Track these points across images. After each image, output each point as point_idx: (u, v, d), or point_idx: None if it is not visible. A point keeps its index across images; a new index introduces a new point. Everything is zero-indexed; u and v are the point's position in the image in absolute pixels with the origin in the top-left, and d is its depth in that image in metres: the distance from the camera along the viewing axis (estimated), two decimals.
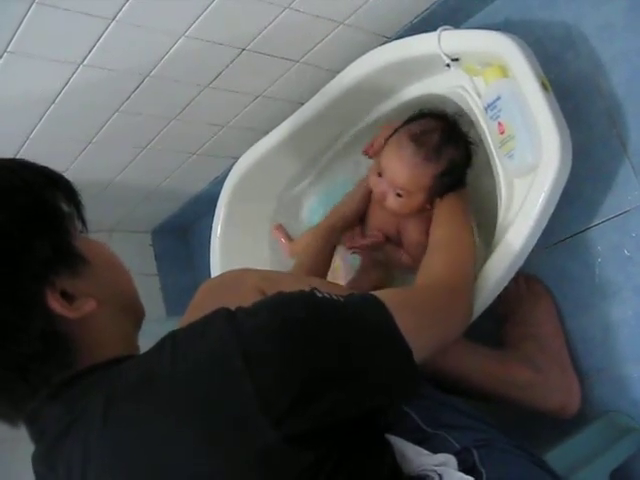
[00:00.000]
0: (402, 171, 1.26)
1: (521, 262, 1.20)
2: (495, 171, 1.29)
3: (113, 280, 0.80)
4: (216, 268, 1.62)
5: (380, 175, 1.28)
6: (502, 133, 1.28)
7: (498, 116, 1.28)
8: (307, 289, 0.76)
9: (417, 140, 1.25)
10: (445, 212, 1.25)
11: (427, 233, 1.28)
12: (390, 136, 1.30)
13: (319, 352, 0.69)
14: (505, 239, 1.20)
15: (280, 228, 1.61)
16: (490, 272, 1.19)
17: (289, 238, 1.60)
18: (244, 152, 1.62)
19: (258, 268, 0.99)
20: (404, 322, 0.81)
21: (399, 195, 1.27)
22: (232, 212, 1.65)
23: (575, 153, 1.20)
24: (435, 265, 1.09)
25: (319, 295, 0.75)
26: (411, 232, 1.35)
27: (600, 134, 1.34)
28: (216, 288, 0.92)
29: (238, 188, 1.65)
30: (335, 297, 0.76)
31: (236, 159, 1.65)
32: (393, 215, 1.33)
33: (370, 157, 1.40)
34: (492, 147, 1.29)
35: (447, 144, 1.26)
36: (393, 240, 1.37)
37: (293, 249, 1.56)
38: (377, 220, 1.37)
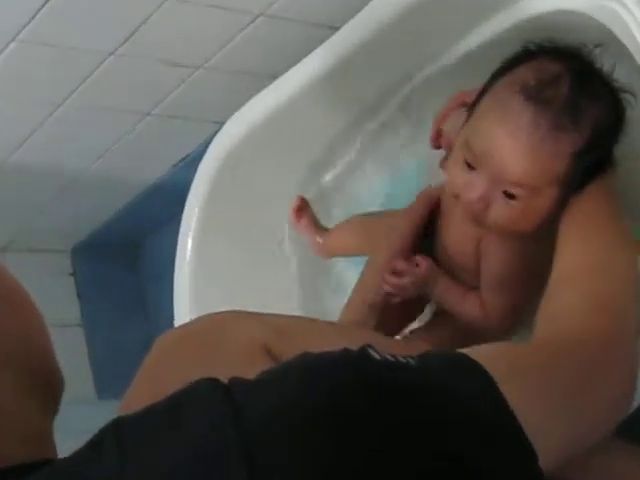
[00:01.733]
0: (518, 154, 0.82)
1: None
2: None
3: (9, 328, 0.59)
4: (184, 311, 1.27)
5: (471, 167, 0.84)
6: None
7: None
8: (355, 347, 0.55)
9: (537, 97, 0.82)
10: (582, 216, 0.85)
11: (527, 259, 0.91)
12: (477, 100, 0.88)
13: (380, 465, 0.49)
14: None
15: (304, 206, 1.19)
16: None
17: (319, 226, 1.19)
18: (233, 113, 1.25)
19: (259, 311, 0.67)
20: (521, 405, 0.57)
21: (511, 197, 0.83)
22: (213, 217, 1.27)
23: None
24: (569, 305, 0.74)
25: (376, 357, 0.55)
26: (497, 256, 0.92)
27: None
28: (186, 346, 0.63)
29: (223, 175, 1.26)
30: (404, 360, 0.56)
31: (220, 124, 1.27)
32: (473, 228, 0.91)
33: (439, 147, 0.99)
34: None
35: (587, 99, 0.84)
36: (465, 271, 0.96)
37: (329, 245, 1.17)
38: (448, 238, 0.97)
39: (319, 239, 1.17)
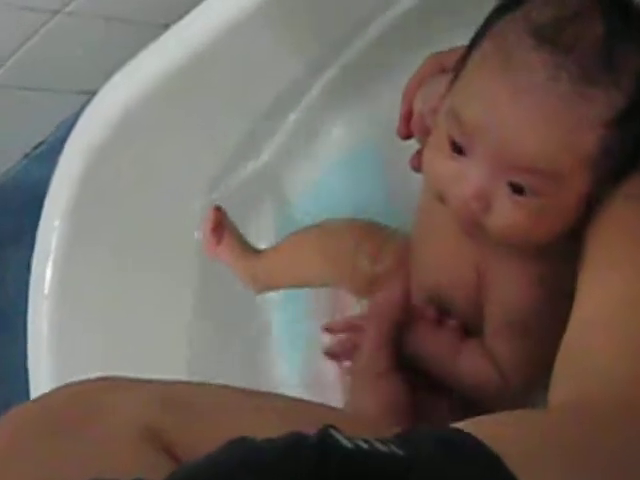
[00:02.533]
0: (529, 125, 0.60)
1: None
2: None
3: None
4: (43, 372, 0.97)
5: (461, 151, 0.62)
6: None
7: None
8: (295, 426, 0.43)
9: (553, 40, 0.60)
10: (621, 223, 0.62)
11: (552, 287, 0.67)
12: (465, 57, 0.65)
13: None
14: None
15: (223, 220, 0.91)
16: None
17: (246, 248, 0.91)
18: (109, 78, 0.93)
19: (148, 376, 0.51)
20: None
21: (520, 190, 0.61)
22: (83, 230, 0.94)
23: None
24: (603, 355, 0.56)
25: (347, 445, 0.42)
26: (509, 285, 0.68)
27: None
28: (43, 429, 0.50)
29: (97, 169, 0.93)
30: (383, 446, 0.44)
31: (90, 95, 0.95)
32: (468, 245, 0.68)
33: (409, 136, 0.74)
34: None
35: (627, 39, 0.62)
36: (458, 311, 0.71)
37: (267, 274, 0.89)
38: (430, 263, 0.73)
39: (249, 267, 0.90)
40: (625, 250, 0.60)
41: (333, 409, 0.57)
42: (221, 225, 0.90)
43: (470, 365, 0.70)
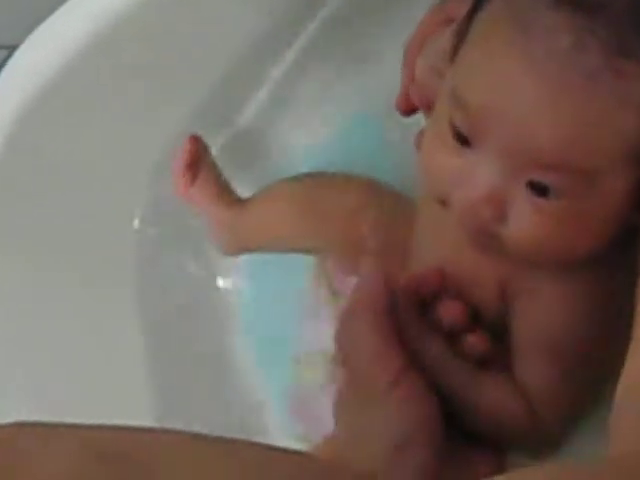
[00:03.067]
0: (552, 108, 0.46)
1: None
2: None
3: None
4: None
5: (467, 142, 0.48)
6: None
7: None
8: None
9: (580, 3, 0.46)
10: None
11: (594, 308, 0.54)
12: (469, 19, 0.51)
13: None
14: None
15: (200, 154, 0.74)
16: None
17: (227, 192, 0.75)
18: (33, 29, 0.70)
19: (80, 421, 0.39)
20: None
21: (543, 191, 0.47)
22: None
23: None
24: None
25: None
26: (542, 308, 0.54)
27: None
28: None
29: (13, 146, 0.70)
30: None
31: (10, 50, 0.73)
32: (488, 260, 0.54)
33: (411, 111, 0.61)
34: None
35: None
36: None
37: (250, 228, 0.74)
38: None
39: (228, 216, 0.74)
40: None
41: (313, 463, 0.44)
42: (198, 160, 0.74)
43: (493, 396, 0.55)
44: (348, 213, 0.69)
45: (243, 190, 0.76)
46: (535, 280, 0.54)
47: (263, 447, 0.43)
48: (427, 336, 0.54)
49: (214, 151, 0.75)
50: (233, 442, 0.41)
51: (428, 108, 0.56)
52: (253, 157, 0.79)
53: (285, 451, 0.42)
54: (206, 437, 0.41)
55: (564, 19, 0.46)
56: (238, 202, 0.75)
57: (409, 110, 0.60)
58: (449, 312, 0.54)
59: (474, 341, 0.54)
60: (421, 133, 0.56)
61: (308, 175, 0.72)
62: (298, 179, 0.73)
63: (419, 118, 0.60)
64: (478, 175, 0.48)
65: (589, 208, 0.48)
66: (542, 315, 0.55)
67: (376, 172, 0.72)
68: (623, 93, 0.46)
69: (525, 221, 0.48)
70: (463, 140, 0.48)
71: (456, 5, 0.57)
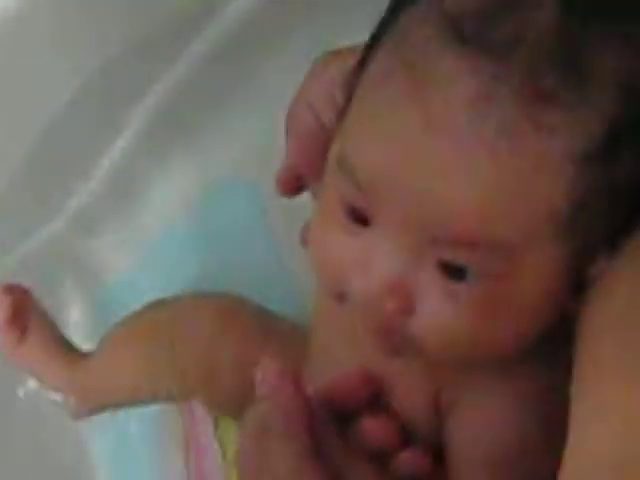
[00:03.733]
0: (460, 173, 0.36)
1: None
2: None
3: None
4: None
5: (362, 221, 0.39)
6: None
7: None
8: None
9: (483, 41, 0.37)
10: (623, 320, 0.36)
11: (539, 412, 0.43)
12: (360, 71, 0.42)
13: None
14: None
15: (26, 304, 0.63)
16: None
17: (62, 346, 0.64)
18: None
19: None
20: None
21: (458, 274, 0.37)
22: None
23: None
24: None
25: None
26: (482, 420, 0.44)
27: None
28: None
29: None
30: None
31: None
32: (424, 367, 0.43)
33: (296, 190, 0.52)
34: None
35: (600, 32, 0.38)
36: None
37: (93, 377, 0.63)
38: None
39: (73, 374, 0.65)
40: (618, 385, 0.38)
41: None
42: (23, 312, 0.64)
43: None
44: (201, 349, 0.60)
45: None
46: (470, 387, 0.45)
47: None
48: (351, 458, 0.44)
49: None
50: None
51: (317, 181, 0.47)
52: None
53: None
54: None
55: (468, 65, 0.38)
56: (80, 355, 0.66)
57: (290, 189, 0.52)
58: (375, 430, 0.45)
59: (409, 458, 0.44)
60: (306, 226, 0.47)
61: (149, 308, 0.64)
62: (139, 316, 0.64)
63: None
64: (378, 259, 0.40)
65: (512, 291, 0.40)
66: (480, 427, 0.46)
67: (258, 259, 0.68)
68: (544, 149, 0.38)
69: (438, 311, 0.40)
70: (357, 218, 0.40)
71: (349, 57, 0.47)
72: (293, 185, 0.50)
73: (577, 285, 0.39)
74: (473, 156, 0.36)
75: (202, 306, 0.61)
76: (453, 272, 0.38)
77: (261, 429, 0.41)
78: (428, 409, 0.45)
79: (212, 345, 0.59)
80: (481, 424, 0.44)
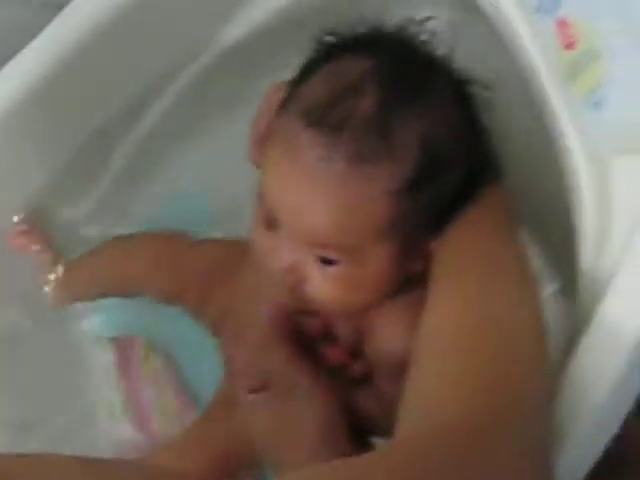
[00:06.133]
0: (313, 203, 0.57)
1: None
2: (561, 144, 0.61)
3: None
4: None
5: (273, 225, 0.60)
6: (571, 47, 0.60)
7: (558, 6, 0.59)
8: None
9: (321, 121, 0.57)
10: (454, 257, 0.58)
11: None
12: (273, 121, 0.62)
13: None
14: (607, 305, 0.55)
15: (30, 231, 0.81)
16: (589, 388, 0.53)
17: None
18: None
19: None
20: None
21: (329, 262, 0.59)
22: None
23: None
24: (443, 384, 0.50)
25: None
26: (389, 334, 0.62)
27: None
28: None
29: None
30: None
31: None
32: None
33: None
34: (546, 85, 0.61)
35: (404, 110, 0.58)
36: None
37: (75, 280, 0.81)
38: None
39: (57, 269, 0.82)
40: (467, 275, 0.57)
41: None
42: (32, 229, 0.80)
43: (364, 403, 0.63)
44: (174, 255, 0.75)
45: None
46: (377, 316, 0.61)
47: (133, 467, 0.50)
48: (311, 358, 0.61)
49: None
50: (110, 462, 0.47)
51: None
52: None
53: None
54: (79, 458, 0.48)
55: (313, 138, 0.55)
56: (65, 265, 0.80)
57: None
58: (314, 326, 0.62)
59: (337, 352, 0.62)
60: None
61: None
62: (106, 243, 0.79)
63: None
64: (281, 252, 0.58)
65: (362, 272, 0.58)
66: (386, 337, 0.62)
67: None
68: (364, 192, 0.55)
69: (318, 284, 0.58)
70: (271, 225, 0.58)
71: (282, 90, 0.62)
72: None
73: (418, 257, 0.58)
74: (323, 193, 0.55)
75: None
76: (325, 261, 0.57)
77: (268, 341, 0.60)
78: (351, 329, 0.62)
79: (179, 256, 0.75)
80: (389, 331, 0.60)
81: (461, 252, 0.58)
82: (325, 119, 0.55)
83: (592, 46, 0.58)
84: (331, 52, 0.61)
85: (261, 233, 0.60)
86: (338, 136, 0.55)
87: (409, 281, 0.60)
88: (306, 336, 0.61)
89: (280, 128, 0.58)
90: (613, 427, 0.55)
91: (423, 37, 0.62)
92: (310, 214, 0.56)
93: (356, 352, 0.62)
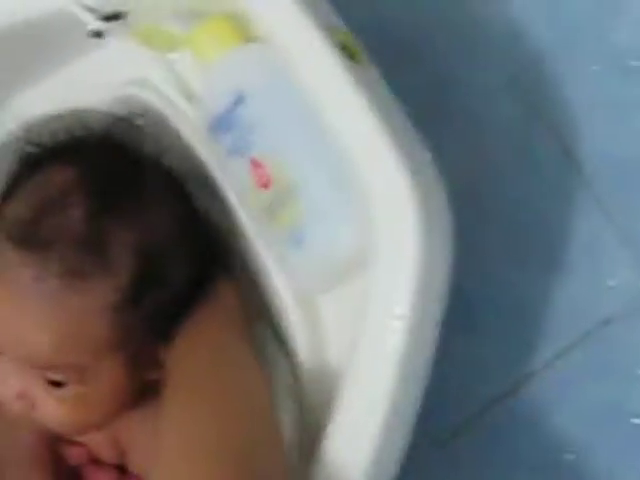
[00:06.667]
0: (26, 328, 0.55)
1: None
2: (266, 286, 0.62)
3: None
4: None
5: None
6: (266, 187, 0.60)
7: (250, 146, 0.60)
8: None
9: (20, 237, 0.55)
10: (191, 362, 0.58)
11: None
12: None
13: None
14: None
15: None
16: None
17: None
18: None
19: None
20: None
21: (57, 384, 0.56)
22: None
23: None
24: None
25: None
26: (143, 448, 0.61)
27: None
28: None
29: None
30: None
31: None
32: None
33: None
34: (246, 228, 0.62)
35: (110, 220, 0.56)
36: None
37: None
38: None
39: None
40: (188, 395, 0.56)
41: None
42: None
43: None
44: None
45: None
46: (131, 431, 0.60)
47: None
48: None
49: None
50: None
51: None
52: None
53: None
54: None
55: (23, 258, 0.53)
56: None
57: None
58: (74, 454, 0.61)
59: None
60: None
61: None
62: None
63: None
64: (10, 378, 0.55)
65: (94, 389, 0.56)
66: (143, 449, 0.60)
67: None
68: (82, 307, 0.53)
69: (47, 407, 0.56)
70: None
71: None
72: None
73: (151, 366, 0.56)
74: (37, 313, 0.52)
75: None
76: (54, 383, 0.54)
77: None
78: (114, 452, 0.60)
79: None
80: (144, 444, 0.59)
81: (192, 357, 0.56)
82: (32, 237, 0.53)
83: (286, 184, 0.58)
84: (36, 164, 0.58)
85: None
86: (47, 253, 0.53)
87: (150, 389, 0.58)
88: (69, 465, 0.59)
89: None
90: None
91: (131, 134, 0.59)
92: (26, 336, 0.54)
93: (125, 469, 0.60)
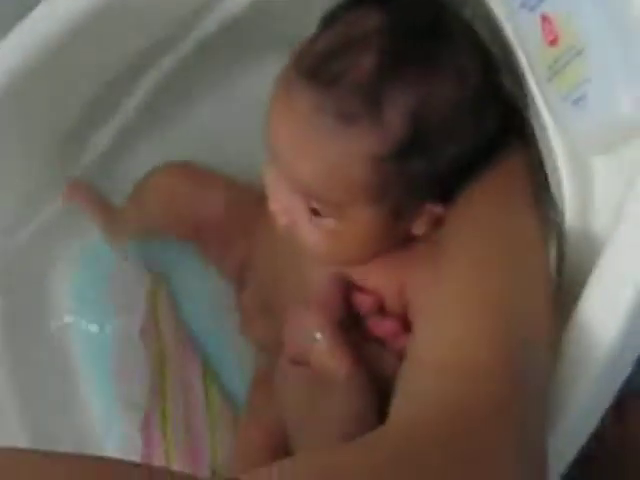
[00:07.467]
0: (296, 151, 0.57)
1: None
2: (542, 141, 0.61)
3: None
4: None
5: (275, 160, 0.60)
6: (554, 43, 0.58)
7: (541, 1, 0.57)
8: None
9: (312, 73, 0.55)
10: (470, 228, 0.57)
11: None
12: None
13: None
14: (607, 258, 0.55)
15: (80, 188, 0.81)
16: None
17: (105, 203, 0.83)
18: None
19: None
20: None
21: (317, 213, 0.58)
22: None
23: None
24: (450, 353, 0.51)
25: None
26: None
27: None
28: None
29: None
30: None
31: None
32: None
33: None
34: (530, 81, 0.60)
35: (399, 74, 0.55)
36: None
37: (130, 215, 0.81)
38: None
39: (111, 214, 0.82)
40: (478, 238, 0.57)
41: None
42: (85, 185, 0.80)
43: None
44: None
45: None
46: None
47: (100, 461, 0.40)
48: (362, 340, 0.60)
49: None
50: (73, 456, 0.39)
51: None
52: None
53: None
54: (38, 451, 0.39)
55: (304, 86, 0.55)
56: (115, 210, 0.80)
57: None
58: (366, 303, 0.62)
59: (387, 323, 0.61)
60: None
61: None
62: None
63: None
64: (276, 191, 0.59)
65: (346, 228, 0.58)
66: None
67: None
68: (346, 151, 0.54)
69: (306, 229, 0.58)
70: (273, 158, 0.58)
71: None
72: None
73: (414, 219, 0.58)
74: (306, 148, 0.54)
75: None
76: (314, 211, 0.57)
77: (311, 314, 0.60)
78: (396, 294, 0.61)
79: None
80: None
81: (472, 224, 0.57)
82: (318, 70, 0.55)
83: (574, 42, 0.57)
84: (351, 5, 0.58)
85: (267, 169, 0.60)
86: (327, 89, 0.54)
87: (415, 239, 0.60)
88: (354, 313, 0.61)
89: (281, 71, 0.58)
90: (616, 384, 0.56)
91: None
92: (293, 160, 0.56)
93: (405, 324, 0.61)
